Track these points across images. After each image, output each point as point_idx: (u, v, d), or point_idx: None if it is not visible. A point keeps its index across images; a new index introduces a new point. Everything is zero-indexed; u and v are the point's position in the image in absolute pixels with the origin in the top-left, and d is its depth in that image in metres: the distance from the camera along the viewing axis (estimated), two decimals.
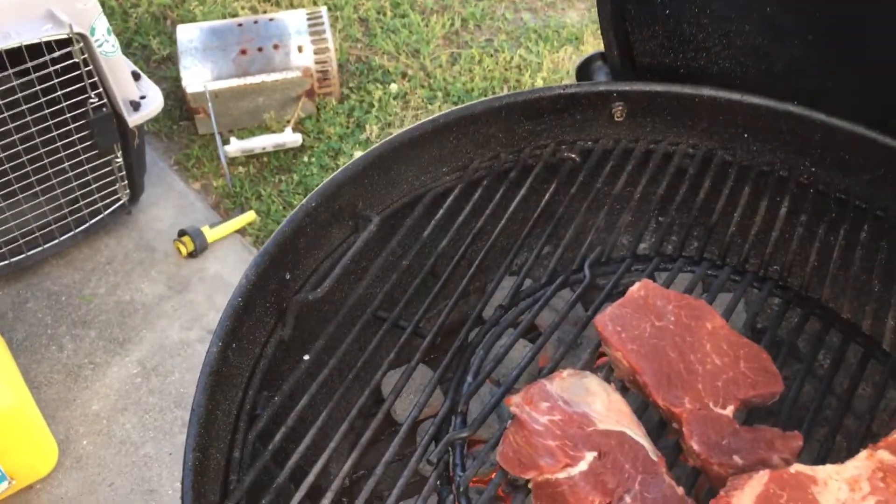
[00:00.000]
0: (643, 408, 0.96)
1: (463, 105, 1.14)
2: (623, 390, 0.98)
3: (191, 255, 2.42)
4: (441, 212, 1.12)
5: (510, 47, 3.05)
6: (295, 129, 2.74)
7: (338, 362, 0.96)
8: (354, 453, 0.89)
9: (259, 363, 0.96)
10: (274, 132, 2.74)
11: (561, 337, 1.17)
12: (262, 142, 2.68)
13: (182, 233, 2.44)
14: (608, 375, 0.98)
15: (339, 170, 1.04)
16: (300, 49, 2.76)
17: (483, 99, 1.16)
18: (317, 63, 2.77)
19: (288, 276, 1.00)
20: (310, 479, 0.86)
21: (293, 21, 2.79)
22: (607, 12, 1.17)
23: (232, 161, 2.69)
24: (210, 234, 2.44)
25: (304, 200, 1.01)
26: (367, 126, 2.75)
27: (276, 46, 2.76)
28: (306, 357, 0.96)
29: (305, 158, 2.70)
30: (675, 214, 1.17)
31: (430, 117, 1.12)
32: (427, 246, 1.09)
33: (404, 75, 2.95)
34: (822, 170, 1.19)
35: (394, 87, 2.88)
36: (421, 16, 3.15)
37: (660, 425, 0.95)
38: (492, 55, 3.02)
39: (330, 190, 1.03)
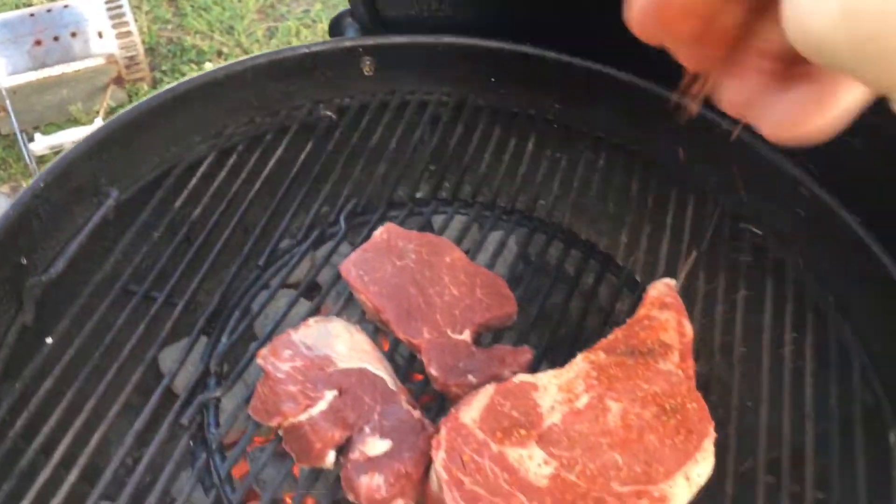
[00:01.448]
0: (395, 345, 1.01)
1: (204, 71, 1.13)
2: (377, 331, 1.02)
3: None
4: (194, 180, 1.12)
5: (328, 16, 3.03)
6: (106, 119, 2.62)
7: (84, 341, 0.95)
8: (102, 427, 0.89)
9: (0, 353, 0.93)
10: (83, 124, 2.62)
11: (339, 290, 1.20)
12: (70, 136, 2.55)
13: None
14: (361, 319, 1.02)
15: (71, 147, 1.02)
16: (100, 35, 2.63)
17: (226, 63, 1.16)
18: (121, 48, 2.66)
19: (24, 261, 0.97)
20: (55, 458, 0.86)
21: (90, 6, 2.65)
22: None
23: (40, 159, 2.55)
24: None
25: (33, 181, 0.98)
26: None
27: (73, 34, 2.63)
28: (49, 340, 0.94)
29: None
30: (431, 160, 1.22)
31: (170, 86, 1.11)
32: (180, 215, 1.08)
33: (220, 53, 2.88)
34: (565, 106, 1.27)
35: (209, 67, 2.81)
36: None
37: (411, 359, 1.00)
38: (309, 26, 2.99)
39: (61, 169, 1.00)
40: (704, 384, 1.01)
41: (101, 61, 2.61)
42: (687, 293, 1.07)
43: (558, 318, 1.05)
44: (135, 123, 1.08)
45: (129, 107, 1.07)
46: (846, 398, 0.99)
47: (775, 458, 0.95)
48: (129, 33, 2.67)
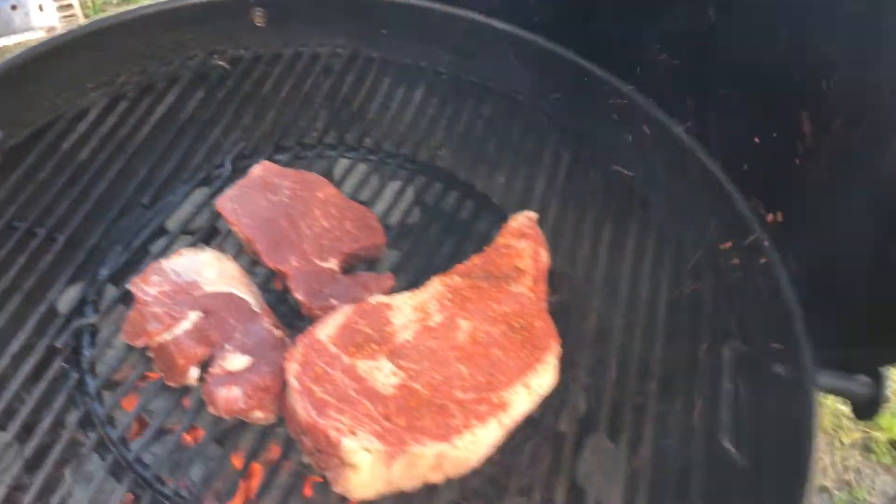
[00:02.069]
0: (271, 276, 1.05)
1: (93, 19, 1.17)
2: (254, 265, 1.07)
3: None
4: (84, 125, 1.16)
5: None
6: None
7: None
8: None
9: None
10: None
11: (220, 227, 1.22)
12: None
13: None
14: (239, 252, 1.07)
15: None
16: (41, 8, 2.64)
17: (116, 13, 1.19)
18: (63, 20, 2.67)
19: None
20: None
21: None
22: None
23: None
24: None
25: None
26: None
27: (13, 7, 2.64)
28: None
29: None
30: (320, 108, 1.26)
31: (57, 34, 1.15)
32: (67, 157, 1.12)
33: None
34: (456, 57, 1.32)
35: None
36: None
37: (285, 290, 1.04)
38: None
39: None
40: (565, 310, 1.07)
41: (41, 34, 2.62)
42: (556, 229, 1.13)
43: (430, 252, 1.10)
44: (22, 68, 1.11)
45: (14, 53, 1.11)
46: (696, 322, 1.05)
47: (624, 373, 1.01)
48: (69, 6, 2.68)
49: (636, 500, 0.90)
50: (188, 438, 1.03)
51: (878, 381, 0.94)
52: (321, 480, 0.88)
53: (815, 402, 0.93)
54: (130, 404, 0.98)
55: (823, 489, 2.00)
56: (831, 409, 2.10)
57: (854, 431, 2.11)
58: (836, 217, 1.02)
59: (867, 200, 0.97)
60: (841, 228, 1.01)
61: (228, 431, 0.94)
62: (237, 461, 0.94)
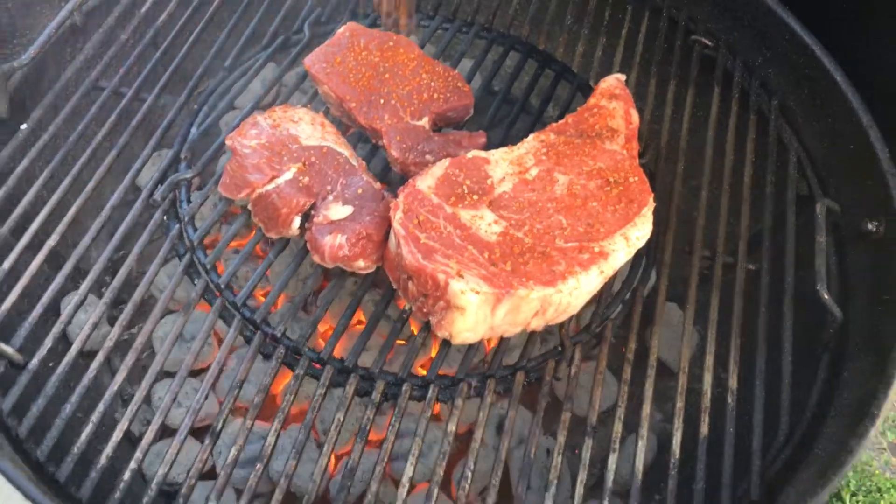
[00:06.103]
0: (357, 137, 1.06)
1: None
2: (340, 126, 1.06)
3: None
4: None
5: None
6: None
7: (57, 129, 0.99)
8: (78, 202, 0.94)
9: None
10: None
11: (304, 90, 1.21)
12: None
13: None
14: (326, 113, 1.07)
15: None
16: None
17: None
18: None
19: None
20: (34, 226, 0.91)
21: None
22: None
23: None
24: None
25: None
26: None
27: None
28: (24, 126, 0.98)
29: None
30: None
31: None
32: (146, 21, 1.11)
33: None
34: None
35: None
36: None
37: (373, 150, 1.05)
38: None
39: None
40: (650, 175, 1.07)
41: None
42: (638, 97, 1.12)
43: (516, 114, 1.10)
44: None
45: None
46: (781, 184, 1.06)
47: (713, 233, 1.02)
48: None
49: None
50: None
51: None
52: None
53: None
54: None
55: None
56: None
57: None
58: None
59: None
60: None
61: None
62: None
